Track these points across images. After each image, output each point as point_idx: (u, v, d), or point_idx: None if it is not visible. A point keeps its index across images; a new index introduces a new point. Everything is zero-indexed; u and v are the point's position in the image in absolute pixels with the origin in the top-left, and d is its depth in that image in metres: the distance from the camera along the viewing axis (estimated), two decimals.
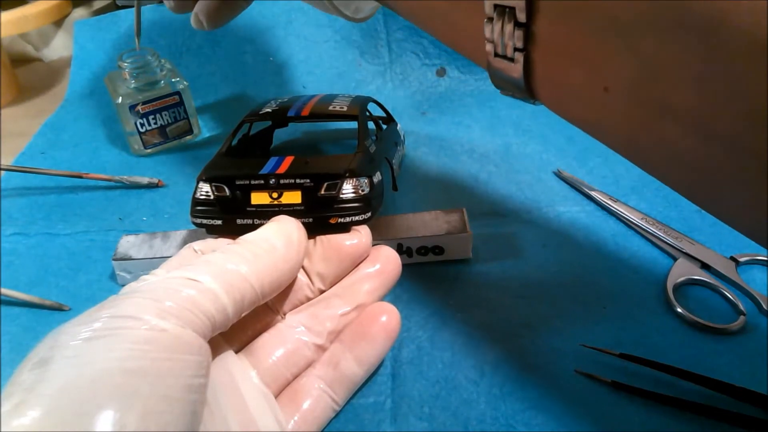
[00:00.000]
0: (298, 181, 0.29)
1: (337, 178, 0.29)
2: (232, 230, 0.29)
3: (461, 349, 0.30)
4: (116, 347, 0.17)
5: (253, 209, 0.29)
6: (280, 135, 0.51)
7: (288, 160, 0.30)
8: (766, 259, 0.33)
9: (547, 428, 0.26)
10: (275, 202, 0.29)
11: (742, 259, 0.33)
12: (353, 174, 0.29)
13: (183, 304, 0.19)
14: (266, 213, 0.28)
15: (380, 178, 0.31)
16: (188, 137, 0.50)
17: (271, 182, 0.29)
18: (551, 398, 0.27)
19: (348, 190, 0.29)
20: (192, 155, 0.49)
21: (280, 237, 0.25)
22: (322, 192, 0.29)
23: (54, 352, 0.17)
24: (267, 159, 0.31)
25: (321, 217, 0.28)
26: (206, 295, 0.20)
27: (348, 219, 0.28)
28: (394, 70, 0.57)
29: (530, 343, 0.30)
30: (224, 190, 0.30)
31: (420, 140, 0.49)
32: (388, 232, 0.34)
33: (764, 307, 0.30)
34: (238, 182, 0.29)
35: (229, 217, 0.29)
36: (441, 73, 0.57)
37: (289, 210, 0.28)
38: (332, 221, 0.28)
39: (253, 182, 0.29)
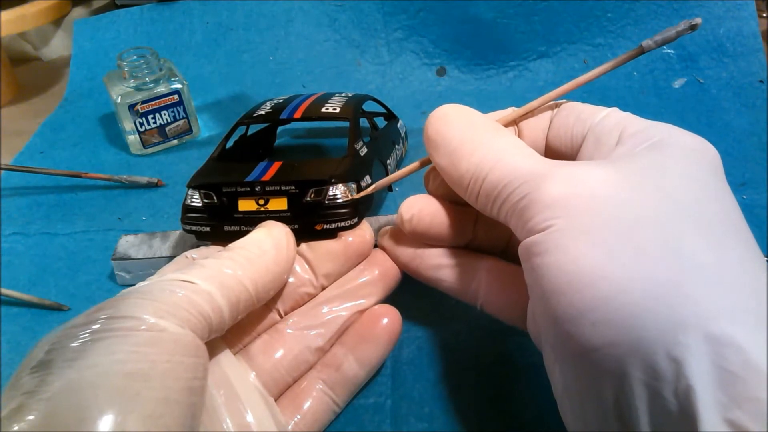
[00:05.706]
0: (283, 187, 0.29)
1: (323, 184, 0.28)
2: (220, 237, 0.29)
3: (461, 349, 0.30)
4: (117, 349, 0.17)
5: (241, 216, 0.29)
6: (285, 132, 0.51)
7: (276, 166, 0.30)
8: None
9: (549, 428, 0.26)
10: (262, 209, 0.29)
11: None
12: (340, 179, 0.29)
13: (180, 304, 0.19)
14: (253, 220, 0.28)
15: (369, 182, 0.31)
16: (187, 137, 0.50)
17: (256, 189, 0.29)
18: (553, 397, 0.27)
19: (334, 195, 0.28)
20: (191, 155, 0.49)
21: (270, 241, 0.25)
22: (308, 198, 0.28)
23: (53, 355, 0.17)
24: (256, 164, 0.31)
25: (307, 224, 0.28)
26: (202, 296, 0.20)
27: (334, 225, 0.28)
28: (393, 70, 0.57)
29: (530, 342, 0.29)
30: (212, 197, 0.30)
31: (420, 140, 0.48)
32: None
33: None
34: (224, 189, 0.29)
35: (216, 223, 0.29)
36: (441, 72, 0.57)
37: (276, 217, 0.28)
38: (318, 227, 0.28)
39: (239, 189, 0.29)
